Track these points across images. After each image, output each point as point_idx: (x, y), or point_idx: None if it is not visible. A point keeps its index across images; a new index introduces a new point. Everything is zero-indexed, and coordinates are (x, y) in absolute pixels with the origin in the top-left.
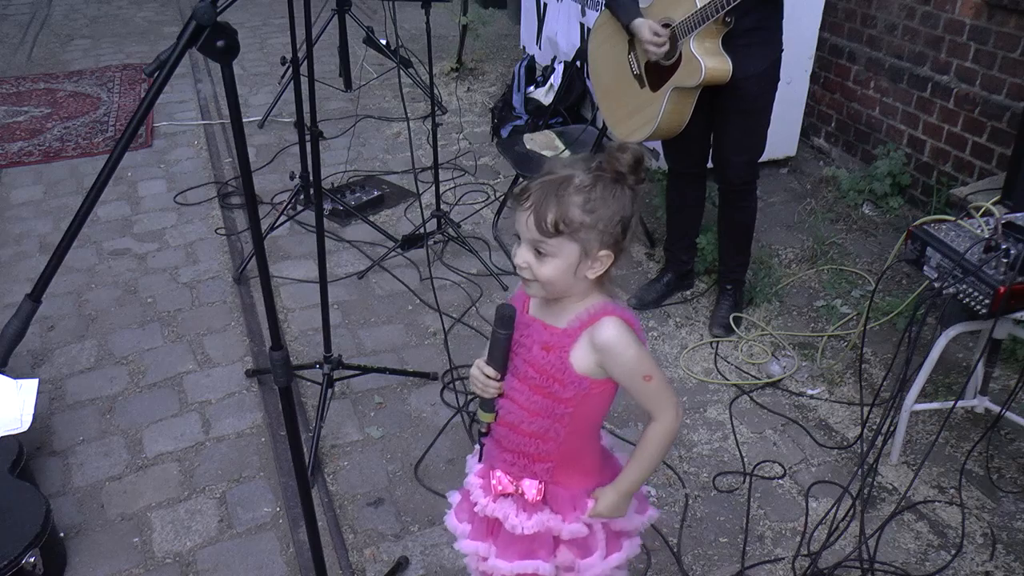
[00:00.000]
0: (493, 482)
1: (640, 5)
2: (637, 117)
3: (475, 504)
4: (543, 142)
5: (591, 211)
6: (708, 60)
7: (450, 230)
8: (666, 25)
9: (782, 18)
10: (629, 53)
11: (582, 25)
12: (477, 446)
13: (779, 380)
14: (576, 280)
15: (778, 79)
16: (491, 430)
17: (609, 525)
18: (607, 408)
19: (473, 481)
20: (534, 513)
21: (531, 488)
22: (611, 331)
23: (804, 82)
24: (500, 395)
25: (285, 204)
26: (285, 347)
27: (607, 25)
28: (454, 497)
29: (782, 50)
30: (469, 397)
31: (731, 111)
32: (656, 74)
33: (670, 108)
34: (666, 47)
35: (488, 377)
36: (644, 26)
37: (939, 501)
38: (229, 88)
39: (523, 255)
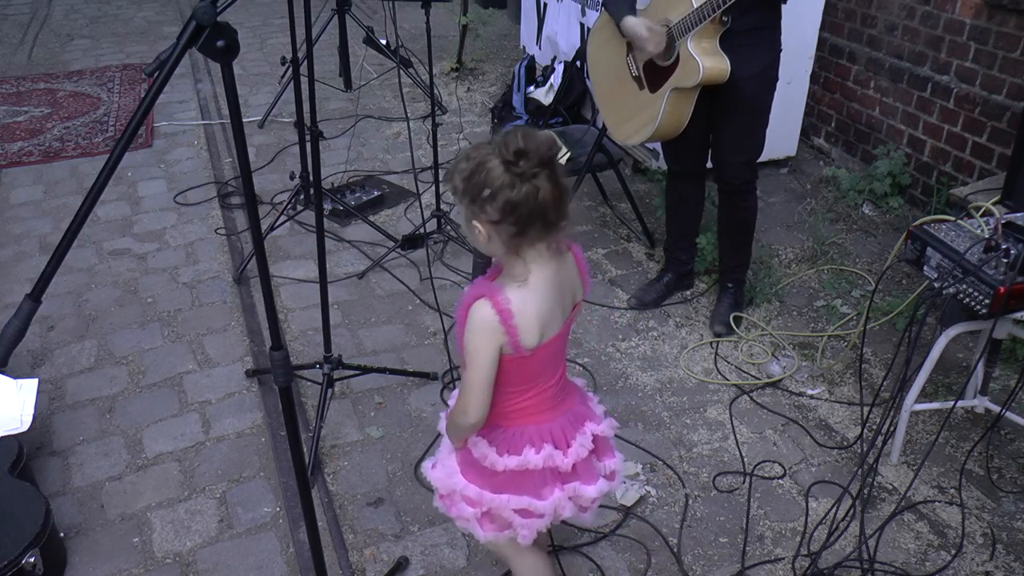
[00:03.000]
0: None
1: (638, 7)
2: (637, 119)
3: None
4: None
5: (463, 179)
6: (706, 60)
7: (450, 230)
8: (664, 26)
9: (780, 18)
10: (628, 55)
11: (582, 25)
12: None
13: (779, 380)
14: (479, 244)
15: (777, 79)
16: None
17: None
18: (509, 377)
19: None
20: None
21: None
22: (474, 311)
23: (804, 82)
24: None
25: (285, 204)
26: (285, 347)
27: (606, 27)
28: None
29: (781, 50)
30: None
31: (730, 111)
32: (655, 75)
33: (669, 109)
34: (663, 44)
35: None
36: (638, 24)
37: (939, 501)
38: (229, 88)
39: None
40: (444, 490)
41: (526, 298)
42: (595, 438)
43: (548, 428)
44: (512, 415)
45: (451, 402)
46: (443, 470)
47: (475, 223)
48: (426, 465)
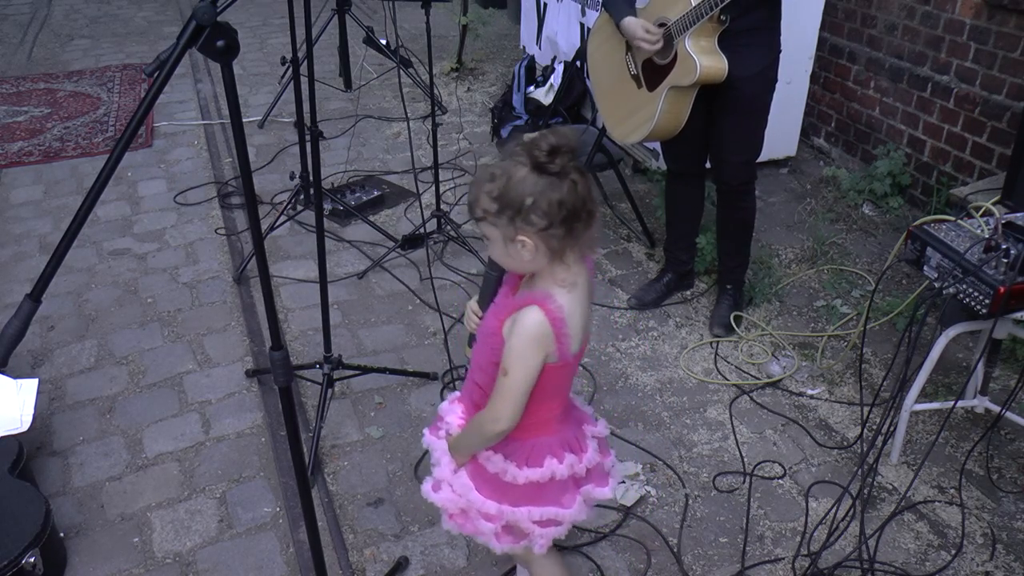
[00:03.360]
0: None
1: (637, 5)
2: (635, 117)
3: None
4: None
5: (496, 198)
6: (703, 59)
7: (450, 230)
8: (662, 25)
9: (780, 19)
10: (627, 54)
11: (582, 25)
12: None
13: (779, 380)
14: (515, 261)
15: (776, 80)
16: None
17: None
18: (546, 386)
19: (446, 408)
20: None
21: (453, 424)
22: (525, 317)
23: (804, 82)
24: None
25: (285, 204)
26: (285, 347)
27: (606, 26)
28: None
29: (780, 51)
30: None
31: (728, 111)
32: (653, 74)
33: (667, 107)
34: (659, 44)
35: (474, 313)
36: (636, 24)
37: (939, 501)
38: (229, 88)
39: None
40: (455, 508)
41: (573, 304)
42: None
43: (563, 437)
44: (532, 427)
45: (447, 415)
46: (454, 489)
47: (520, 239)
48: (426, 488)
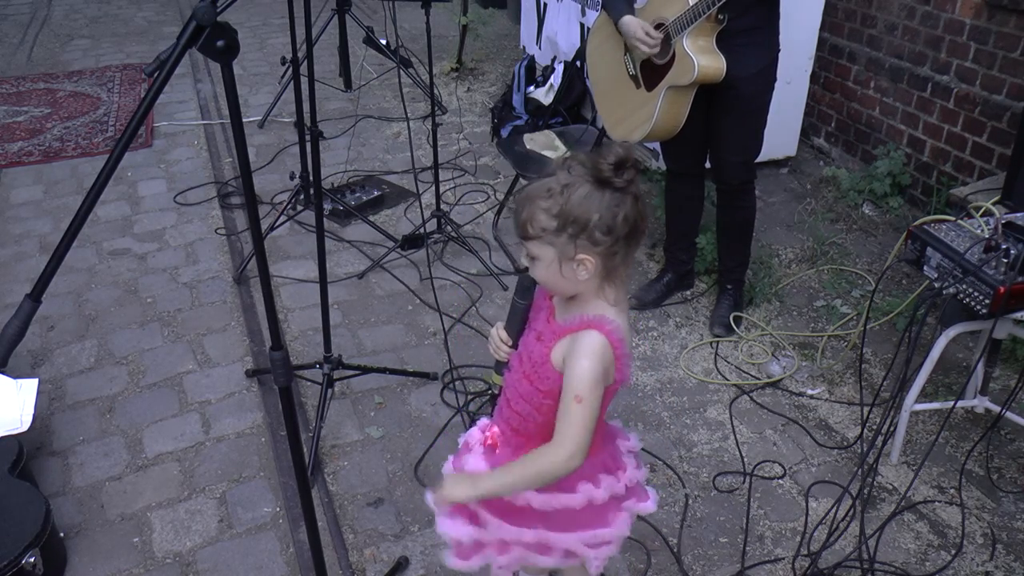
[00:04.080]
0: (489, 434)
1: (635, 5)
2: (634, 117)
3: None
4: (543, 142)
5: (557, 215)
6: (701, 58)
7: (450, 230)
8: (659, 25)
9: (779, 19)
10: (625, 54)
11: (582, 25)
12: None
13: (779, 380)
14: (567, 282)
15: (775, 80)
16: (501, 393)
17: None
18: (601, 407)
19: (474, 434)
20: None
21: (487, 430)
22: (585, 341)
23: (804, 82)
24: (508, 364)
25: (285, 204)
26: (285, 347)
27: (604, 27)
28: (461, 438)
29: (779, 50)
30: (469, 397)
31: (727, 111)
32: (651, 74)
33: (665, 107)
34: (657, 47)
35: (503, 341)
36: (634, 24)
37: (939, 501)
38: (229, 88)
39: (523, 258)
40: (470, 541)
41: (624, 324)
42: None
43: (598, 459)
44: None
45: (464, 463)
46: (506, 545)
47: (580, 257)
48: (452, 560)
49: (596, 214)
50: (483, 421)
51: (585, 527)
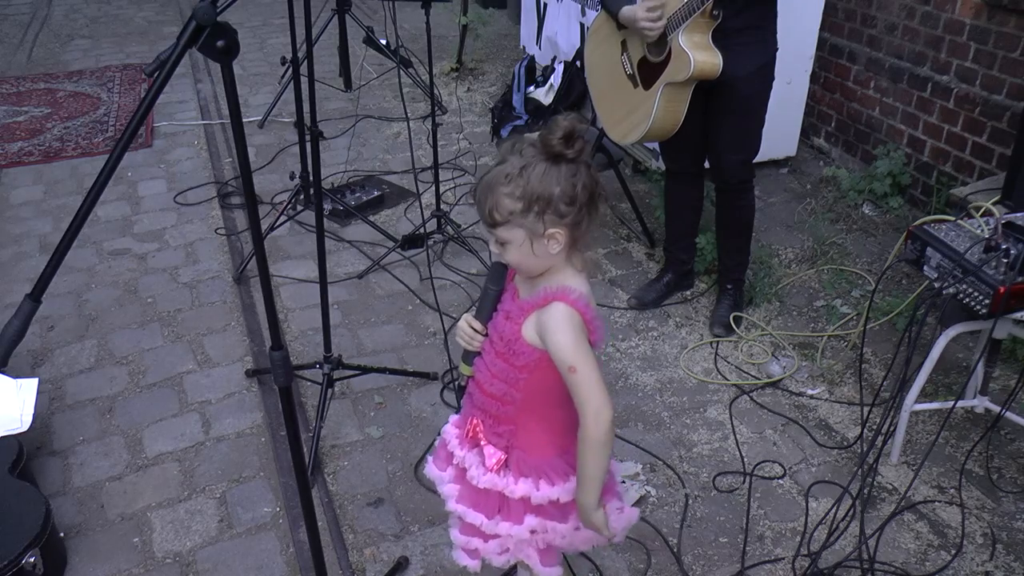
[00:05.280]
0: (468, 428)
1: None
2: (632, 117)
3: (452, 453)
4: None
5: (520, 197)
6: (697, 54)
7: (450, 230)
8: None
9: (776, 17)
10: (622, 54)
11: (582, 25)
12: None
13: (779, 380)
14: (539, 260)
15: (773, 79)
16: (468, 384)
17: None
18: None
19: (450, 431)
20: (489, 472)
21: (491, 456)
22: (553, 314)
23: (804, 82)
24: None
25: (285, 204)
26: (285, 347)
27: (602, 29)
28: (438, 441)
29: (777, 49)
30: (461, 384)
31: (725, 111)
32: (648, 72)
33: (663, 105)
34: (662, 23)
35: (474, 330)
36: (634, 9)
37: (939, 501)
38: (229, 88)
39: (492, 245)
40: (499, 549)
41: (587, 287)
42: None
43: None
44: (573, 431)
45: (450, 442)
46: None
47: (550, 232)
48: (460, 555)
49: (557, 187)
50: (454, 417)
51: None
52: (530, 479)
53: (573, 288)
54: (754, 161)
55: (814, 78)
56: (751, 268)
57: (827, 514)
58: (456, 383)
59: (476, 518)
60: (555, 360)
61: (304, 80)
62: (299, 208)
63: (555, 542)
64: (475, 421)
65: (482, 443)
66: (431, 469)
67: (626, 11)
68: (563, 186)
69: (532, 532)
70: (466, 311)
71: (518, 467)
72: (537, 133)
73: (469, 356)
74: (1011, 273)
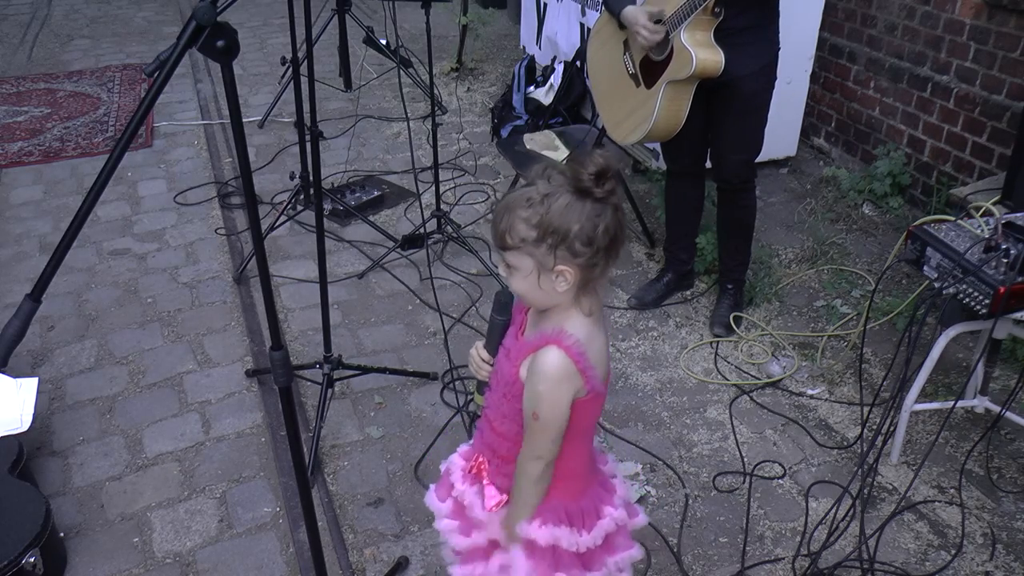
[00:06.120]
0: (473, 464)
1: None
2: (634, 117)
3: (453, 486)
4: (543, 142)
5: (536, 225)
6: (699, 51)
7: (450, 230)
8: (658, 21)
9: (778, 16)
10: (624, 54)
11: (582, 25)
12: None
13: (779, 380)
14: (545, 294)
15: (775, 78)
16: (482, 417)
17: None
18: (580, 423)
19: (456, 461)
20: (487, 511)
21: (491, 498)
22: (543, 359)
23: (804, 82)
24: (488, 384)
25: (285, 204)
26: (285, 347)
27: (604, 29)
28: (444, 466)
29: (779, 48)
30: (469, 397)
31: (727, 110)
32: (650, 71)
33: (665, 104)
34: (659, 34)
35: (483, 360)
36: (637, 12)
37: (939, 501)
38: (229, 88)
39: (501, 268)
40: None
41: (594, 331)
42: None
43: (596, 492)
44: (581, 476)
45: (455, 474)
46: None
47: (559, 268)
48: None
49: (576, 224)
50: (464, 448)
51: (609, 553)
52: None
53: (570, 334)
54: (755, 161)
55: (814, 78)
56: (751, 268)
57: (827, 514)
58: (464, 392)
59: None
60: (524, 397)
61: (304, 80)
62: (299, 208)
63: None
64: (481, 459)
65: (484, 482)
66: (431, 500)
67: (628, 12)
68: (583, 224)
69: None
70: (465, 311)
71: None
72: (568, 162)
73: (482, 386)
74: (1011, 273)
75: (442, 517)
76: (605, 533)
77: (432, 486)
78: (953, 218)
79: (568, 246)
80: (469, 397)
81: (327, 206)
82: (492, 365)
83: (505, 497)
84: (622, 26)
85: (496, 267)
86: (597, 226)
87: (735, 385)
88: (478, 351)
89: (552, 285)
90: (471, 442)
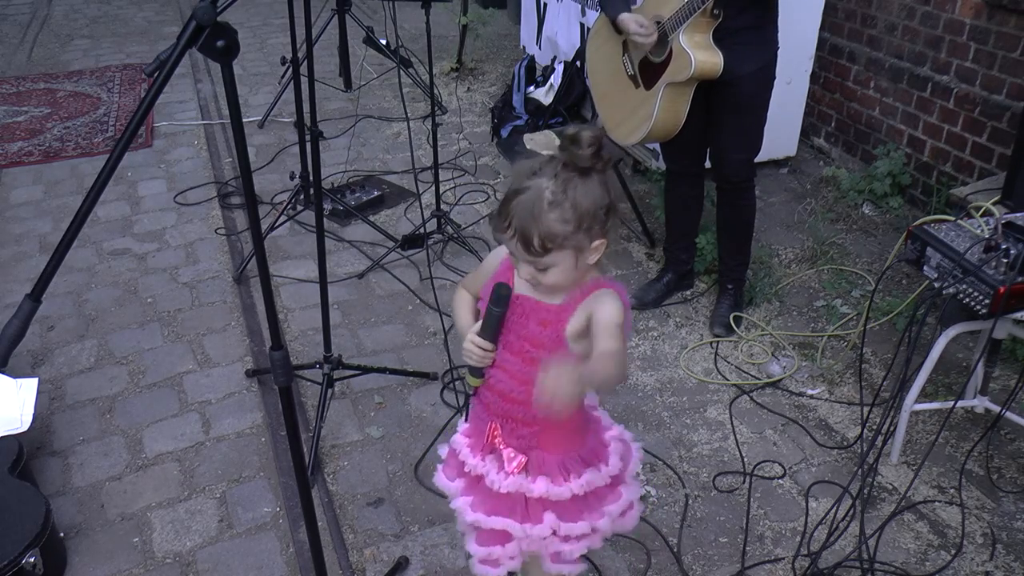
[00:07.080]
0: (487, 434)
1: (633, 6)
2: (634, 117)
3: (463, 463)
4: (543, 142)
5: (570, 220)
6: (698, 53)
7: (450, 230)
8: (656, 23)
9: (777, 16)
10: (624, 55)
11: (582, 25)
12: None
13: (779, 380)
14: (580, 272)
15: (774, 78)
16: (477, 392)
17: (592, 493)
18: None
19: (460, 440)
20: (511, 475)
21: (512, 460)
22: (608, 300)
23: (804, 82)
24: (491, 365)
25: (285, 204)
26: (285, 347)
27: (603, 29)
28: (443, 450)
29: (778, 48)
30: (460, 377)
31: (727, 110)
32: (650, 73)
33: (664, 105)
34: (653, 37)
35: (483, 350)
36: (630, 19)
37: (939, 501)
38: (229, 88)
39: (526, 271)
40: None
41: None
42: None
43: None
44: (582, 422)
45: (509, 466)
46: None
47: (596, 244)
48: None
49: (598, 200)
50: (463, 426)
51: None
52: (548, 477)
53: (606, 277)
54: (755, 161)
55: (814, 78)
56: (751, 268)
57: (827, 514)
58: (463, 391)
59: (499, 523)
60: (596, 321)
61: (304, 80)
62: (299, 208)
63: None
64: (493, 426)
65: (500, 447)
66: (440, 479)
67: (623, 19)
68: (600, 197)
69: (553, 532)
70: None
71: (537, 467)
72: (551, 153)
73: (477, 370)
74: (1011, 273)
75: (456, 495)
76: (619, 456)
77: (439, 467)
78: (953, 218)
79: (599, 222)
80: (460, 377)
81: (327, 206)
82: (493, 352)
83: (525, 458)
84: (619, 29)
85: None
86: (610, 191)
87: (735, 385)
88: (476, 343)
89: (586, 261)
90: (466, 422)
